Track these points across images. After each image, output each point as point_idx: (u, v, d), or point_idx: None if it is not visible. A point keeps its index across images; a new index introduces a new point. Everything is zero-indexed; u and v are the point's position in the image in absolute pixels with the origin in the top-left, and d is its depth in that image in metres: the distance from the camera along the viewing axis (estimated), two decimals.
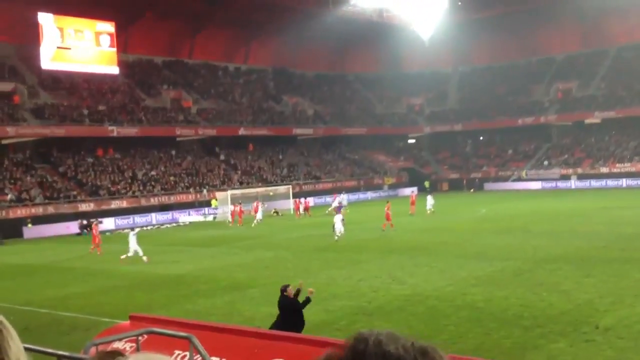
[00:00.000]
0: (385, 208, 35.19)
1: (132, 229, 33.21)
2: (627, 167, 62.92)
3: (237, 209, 45.23)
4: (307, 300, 11.96)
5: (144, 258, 27.02)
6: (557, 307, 15.47)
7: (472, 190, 66.38)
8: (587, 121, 70.12)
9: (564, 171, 66.65)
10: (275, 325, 11.57)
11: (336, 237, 30.69)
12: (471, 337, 13.38)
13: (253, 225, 41.60)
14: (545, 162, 69.56)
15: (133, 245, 27.30)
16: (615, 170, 63.00)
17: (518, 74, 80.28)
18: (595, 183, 61.99)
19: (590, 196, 50.67)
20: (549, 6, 73.25)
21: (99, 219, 40.13)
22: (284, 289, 12.17)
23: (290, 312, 11.84)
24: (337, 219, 32.00)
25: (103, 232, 43.80)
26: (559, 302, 15.92)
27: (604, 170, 63.74)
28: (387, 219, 34.11)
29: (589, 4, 69.57)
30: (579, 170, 65.69)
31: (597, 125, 69.84)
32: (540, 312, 15.16)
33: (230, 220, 44.99)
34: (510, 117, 73.78)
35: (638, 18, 72.21)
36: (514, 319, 14.74)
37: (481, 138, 78.41)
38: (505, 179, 68.75)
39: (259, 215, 42.82)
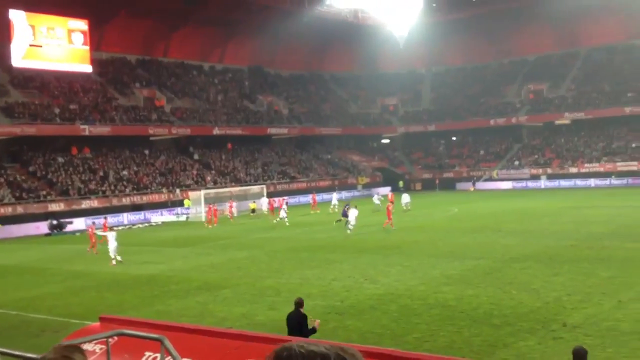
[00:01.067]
0: (387, 206, 35.14)
1: (111, 228, 32.63)
2: (595, 167, 63.99)
3: (213, 208, 45.04)
4: (313, 331, 10.97)
5: (113, 261, 26.70)
6: (526, 305, 15.71)
7: (472, 189, 66.10)
8: (557, 122, 71.20)
9: (534, 171, 67.55)
10: None
11: (349, 230, 32.62)
12: (442, 335, 13.53)
13: (275, 222, 41.39)
14: (516, 162, 70.44)
15: (113, 245, 26.93)
16: (584, 170, 64.01)
17: (490, 75, 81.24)
18: (564, 183, 62.94)
19: (559, 196, 51.40)
20: (521, 8, 74.17)
21: (93, 220, 39.47)
22: (300, 303, 11.31)
23: (296, 329, 10.96)
24: (352, 214, 33.23)
25: (73, 233, 43.49)
26: (529, 300, 16.17)
27: (573, 170, 64.73)
28: (388, 217, 34.04)
29: (560, 7, 70.54)
30: (549, 171, 66.64)
31: (567, 126, 70.96)
32: (510, 310, 15.39)
33: (207, 220, 44.65)
34: (482, 117, 74.59)
35: (608, 21, 73.50)
36: (485, 317, 14.94)
37: (454, 138, 79.10)
38: (478, 179, 69.43)
39: (283, 213, 41.57)
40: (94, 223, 35.91)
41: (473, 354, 12.23)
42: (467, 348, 12.72)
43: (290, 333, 10.74)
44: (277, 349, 1.60)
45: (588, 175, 62.27)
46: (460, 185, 66.94)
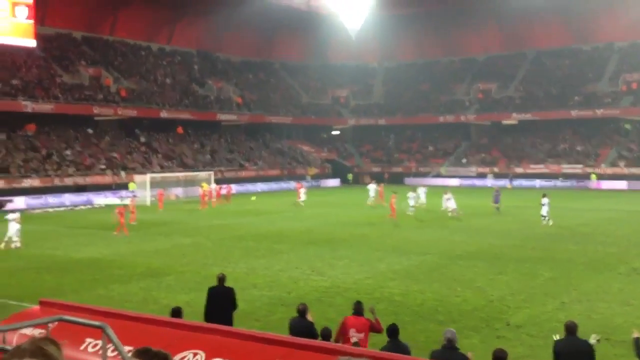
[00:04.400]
0: (391, 199, 34.74)
1: (13, 212, 29.26)
2: (540, 168, 65.49)
3: (159, 193, 44.18)
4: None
5: (14, 245, 25.56)
6: (470, 303, 15.87)
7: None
8: (505, 122, 72.59)
9: (480, 169, 68.71)
10: None
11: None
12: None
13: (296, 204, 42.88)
14: (464, 160, 71.52)
15: (12, 230, 25.60)
16: (529, 170, 65.42)
17: (441, 72, 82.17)
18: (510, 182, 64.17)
19: (504, 195, 52.25)
20: (473, 7, 75.23)
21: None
22: (303, 310, 10.41)
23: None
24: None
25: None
26: (473, 298, 16.34)
27: (519, 170, 66.11)
28: (392, 209, 33.82)
29: (510, 8, 71.82)
30: (495, 169, 67.90)
31: (513, 126, 72.40)
32: (455, 307, 15.52)
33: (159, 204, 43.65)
34: (432, 114, 75.43)
35: (557, 24, 75.28)
36: (429, 313, 15.02)
37: (405, 133, 79.75)
38: (425, 174, 70.19)
39: (303, 196, 43.40)
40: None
41: (417, 349, 12.22)
42: (411, 343, 12.63)
43: None
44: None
45: (533, 175, 63.62)
46: (409, 181, 67.47)
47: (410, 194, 36.74)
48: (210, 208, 42.93)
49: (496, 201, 37.49)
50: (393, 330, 9.45)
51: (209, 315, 11.38)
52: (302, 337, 9.81)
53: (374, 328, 10.47)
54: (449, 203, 35.56)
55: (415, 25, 78.98)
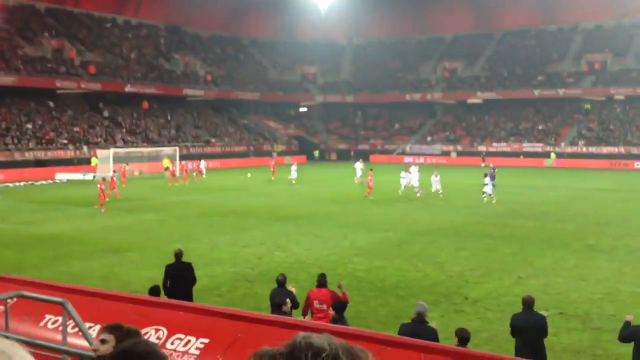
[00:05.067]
0: (368, 177, 34.52)
1: None
2: (502, 146, 66.43)
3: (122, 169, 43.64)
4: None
5: None
6: (431, 278, 16.20)
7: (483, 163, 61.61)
8: (470, 101, 73.31)
9: (445, 147, 69.43)
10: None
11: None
12: (350, 304, 13.65)
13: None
14: (429, 138, 72.13)
15: None
16: (491, 149, 66.32)
17: (409, 50, 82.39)
18: (473, 160, 64.98)
19: (467, 172, 53.02)
20: None
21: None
22: (283, 281, 10.96)
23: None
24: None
25: None
26: (433, 273, 16.68)
27: (482, 148, 66.96)
28: (368, 187, 33.77)
29: None
30: (459, 148, 68.69)
31: (478, 105, 73.19)
32: (416, 282, 15.83)
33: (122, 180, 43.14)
34: (399, 92, 75.78)
35: (524, 5, 75.94)
36: (391, 288, 15.30)
37: (372, 111, 80.00)
38: (391, 152, 70.67)
39: (294, 174, 42.68)
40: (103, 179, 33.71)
41: (379, 324, 12.51)
42: (372, 317, 13.01)
43: (275, 312, 9.97)
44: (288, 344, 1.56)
45: (495, 154, 64.46)
46: (374, 157, 67.85)
47: (403, 174, 35.81)
48: (177, 184, 42.58)
49: (492, 179, 37.55)
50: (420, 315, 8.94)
51: (169, 292, 11.42)
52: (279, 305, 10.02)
53: (338, 299, 10.67)
54: (436, 184, 34.57)
55: (384, 3, 78.92)
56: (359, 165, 43.74)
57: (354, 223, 25.39)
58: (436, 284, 15.61)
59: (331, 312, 9.98)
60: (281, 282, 10.90)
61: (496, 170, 38.82)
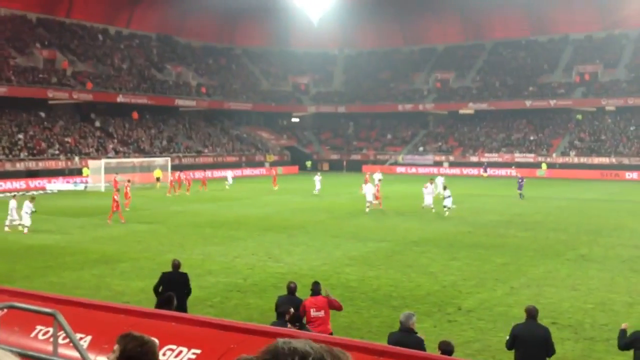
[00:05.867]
0: (375, 187, 34.06)
1: (14, 196, 29.33)
2: (494, 157, 66.63)
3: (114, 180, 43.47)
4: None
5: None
6: (424, 288, 16.17)
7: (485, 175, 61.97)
8: (462, 111, 73.62)
9: (437, 158, 69.56)
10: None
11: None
12: (343, 315, 13.63)
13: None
14: (421, 148, 72.29)
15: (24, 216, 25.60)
16: (483, 159, 66.48)
17: (401, 61, 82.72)
18: (465, 170, 65.15)
19: (459, 183, 53.14)
20: None
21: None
22: (294, 288, 10.81)
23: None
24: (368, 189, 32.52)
25: None
26: (426, 284, 16.65)
27: (474, 159, 67.15)
28: (377, 197, 33.24)
29: None
30: (451, 158, 68.85)
31: (470, 115, 73.50)
32: (409, 292, 15.79)
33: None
34: (391, 102, 76.00)
35: (515, 16, 76.50)
36: (384, 298, 15.25)
37: (364, 121, 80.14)
38: (383, 162, 70.75)
39: (318, 185, 41.59)
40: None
41: (371, 334, 12.46)
42: (365, 328, 12.96)
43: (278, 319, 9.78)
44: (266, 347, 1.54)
45: (488, 164, 64.60)
46: (367, 168, 67.85)
47: (429, 187, 33.10)
48: (175, 194, 42.28)
49: (519, 188, 38.65)
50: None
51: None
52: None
53: (333, 305, 10.67)
54: (428, 198, 32.66)
55: (376, 13, 79.24)
56: (317, 178, 43.08)
57: (346, 233, 25.35)
58: (429, 294, 15.57)
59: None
60: (292, 290, 10.82)
61: (524, 180, 39.52)
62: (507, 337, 9.01)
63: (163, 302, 9.65)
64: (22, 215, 25.76)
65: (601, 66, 70.31)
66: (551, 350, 8.74)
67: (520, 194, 38.53)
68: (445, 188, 31.84)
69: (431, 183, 33.78)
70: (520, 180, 39.25)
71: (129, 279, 17.28)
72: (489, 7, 75.01)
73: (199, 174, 52.38)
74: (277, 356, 1.54)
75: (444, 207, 30.88)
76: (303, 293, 15.45)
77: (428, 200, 32.46)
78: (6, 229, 25.93)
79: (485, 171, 61.46)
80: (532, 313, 8.93)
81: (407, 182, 54.12)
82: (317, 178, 42.48)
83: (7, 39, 59.04)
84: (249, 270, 18.35)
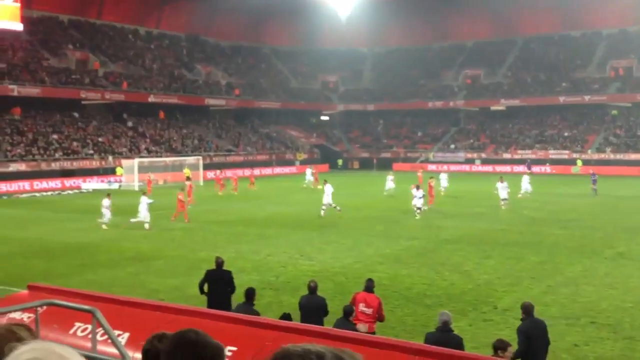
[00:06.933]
0: (429, 184, 34.00)
1: (145, 193, 29.94)
2: (527, 154, 65.71)
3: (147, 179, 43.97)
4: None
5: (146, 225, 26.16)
6: (458, 287, 15.98)
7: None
8: (493, 108, 72.75)
9: (469, 155, 68.92)
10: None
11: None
12: None
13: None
14: (452, 146, 71.68)
15: (143, 211, 26.21)
16: (516, 156, 65.67)
17: (430, 57, 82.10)
18: (498, 168, 64.32)
19: (492, 180, 52.50)
20: None
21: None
22: (315, 287, 10.51)
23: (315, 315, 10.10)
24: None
25: (10, 196, 41.80)
26: (460, 282, 16.46)
27: (507, 156, 66.34)
28: (430, 194, 32.98)
29: None
30: (483, 155, 68.13)
31: (501, 112, 72.61)
32: (443, 291, 15.63)
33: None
34: (421, 99, 75.48)
35: (546, 10, 75.32)
36: (418, 297, 15.12)
37: (393, 118, 79.75)
38: (414, 160, 70.32)
39: (391, 184, 39.77)
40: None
41: (405, 333, 12.35)
42: (400, 327, 12.84)
43: (305, 320, 9.67)
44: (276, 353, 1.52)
45: (521, 161, 63.73)
46: (397, 166, 67.58)
47: (500, 185, 32.80)
48: (220, 193, 42.29)
49: (593, 184, 38.66)
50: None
51: (210, 299, 11.60)
52: (314, 313, 9.95)
53: (380, 313, 10.52)
54: (503, 192, 32.32)
55: (405, 11, 78.71)
56: (309, 171, 46.35)
57: (377, 231, 25.23)
58: (464, 293, 15.39)
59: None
60: (312, 289, 10.68)
61: (597, 176, 39.52)
62: (518, 341, 8.88)
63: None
64: (139, 210, 26.31)
65: (636, 61, 68.93)
66: (548, 341, 9.13)
67: (594, 190, 38.06)
68: (418, 188, 30.10)
69: (502, 181, 32.93)
70: (593, 177, 38.91)
71: (164, 276, 17.41)
72: (518, 2, 74.03)
73: (247, 172, 51.12)
74: (289, 356, 1.53)
75: (414, 207, 29.36)
76: (334, 291, 15.44)
77: (503, 194, 32.22)
78: (103, 226, 26.34)
79: (529, 168, 59.96)
80: (529, 309, 9.17)
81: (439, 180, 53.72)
82: (390, 178, 40.20)
83: (40, 40, 60.05)
84: (281, 267, 18.36)
